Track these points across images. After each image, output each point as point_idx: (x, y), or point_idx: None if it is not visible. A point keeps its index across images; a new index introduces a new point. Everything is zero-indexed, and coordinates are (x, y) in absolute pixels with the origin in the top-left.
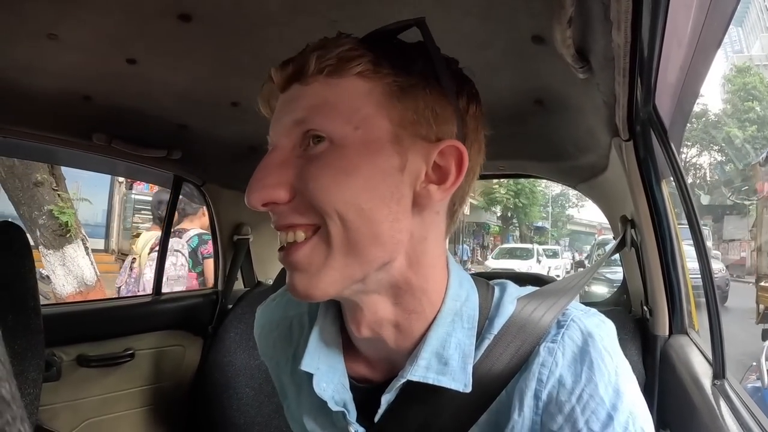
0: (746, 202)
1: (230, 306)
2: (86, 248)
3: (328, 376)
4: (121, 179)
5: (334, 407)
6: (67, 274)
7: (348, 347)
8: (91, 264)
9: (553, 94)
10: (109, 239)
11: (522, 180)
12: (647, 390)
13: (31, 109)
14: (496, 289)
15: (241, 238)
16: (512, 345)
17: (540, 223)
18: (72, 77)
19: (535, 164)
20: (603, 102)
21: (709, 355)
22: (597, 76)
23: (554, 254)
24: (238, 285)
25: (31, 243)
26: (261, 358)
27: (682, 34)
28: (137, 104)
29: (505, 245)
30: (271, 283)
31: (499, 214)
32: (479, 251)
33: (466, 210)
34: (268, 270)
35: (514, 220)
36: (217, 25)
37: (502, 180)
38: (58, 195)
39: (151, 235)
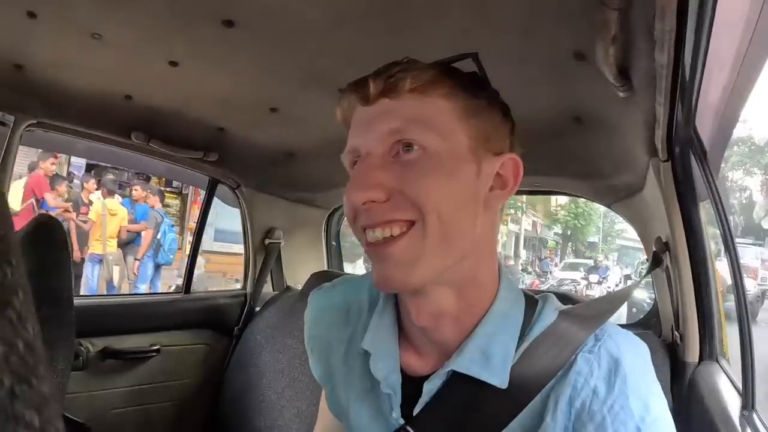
0: None
1: (258, 308)
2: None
3: (384, 359)
4: None
5: (385, 389)
6: None
7: (401, 337)
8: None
9: (592, 111)
10: None
11: (581, 203)
12: (673, 416)
13: (73, 106)
14: (540, 300)
15: (273, 242)
16: (550, 352)
17: (592, 239)
18: (114, 76)
19: (570, 182)
20: (642, 121)
21: (739, 384)
22: (638, 95)
23: (607, 268)
24: (267, 288)
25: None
26: (288, 359)
27: (726, 55)
28: (177, 106)
29: (569, 260)
30: (300, 288)
31: (560, 233)
32: (537, 263)
33: (527, 225)
34: (297, 275)
35: (572, 238)
36: (259, 32)
37: (562, 202)
38: None
39: None
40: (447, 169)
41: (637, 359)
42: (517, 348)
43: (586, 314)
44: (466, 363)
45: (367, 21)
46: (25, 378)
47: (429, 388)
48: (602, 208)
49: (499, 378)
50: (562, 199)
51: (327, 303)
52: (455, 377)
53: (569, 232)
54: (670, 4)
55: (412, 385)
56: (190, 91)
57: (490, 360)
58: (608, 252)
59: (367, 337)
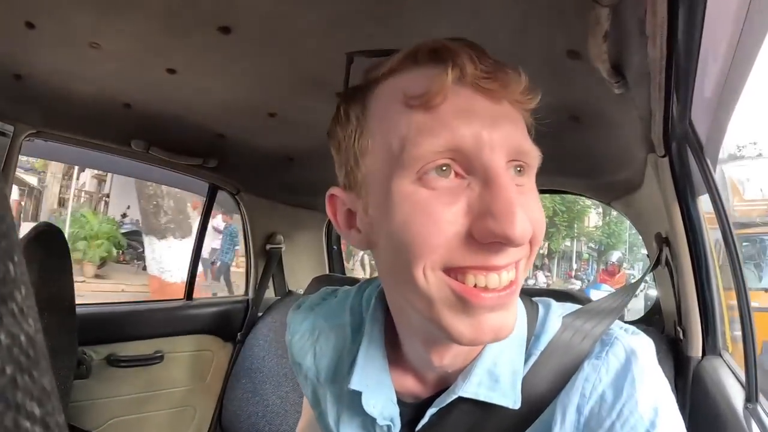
0: None
1: (260, 314)
2: None
3: (377, 393)
4: None
5: (382, 422)
6: None
7: (394, 362)
8: None
9: (589, 109)
10: None
11: (613, 224)
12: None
13: (73, 115)
14: (540, 307)
15: (274, 247)
16: (558, 362)
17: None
18: (113, 85)
19: (569, 180)
20: (639, 117)
21: (743, 378)
22: (633, 91)
23: (632, 276)
24: (269, 294)
25: None
26: (290, 365)
27: (719, 47)
28: (175, 113)
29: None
30: (302, 293)
31: (594, 248)
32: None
33: (567, 242)
34: (299, 280)
35: (605, 253)
36: (256, 37)
37: (598, 223)
38: None
39: None
40: (539, 197)
41: (646, 360)
42: (525, 361)
43: (591, 319)
44: (474, 388)
45: (362, 24)
46: (27, 369)
47: (432, 412)
48: (629, 224)
49: (509, 398)
50: (595, 221)
51: (309, 327)
52: (460, 399)
53: (602, 248)
54: None
55: (411, 409)
56: (189, 98)
57: (499, 381)
58: (634, 261)
59: (354, 377)
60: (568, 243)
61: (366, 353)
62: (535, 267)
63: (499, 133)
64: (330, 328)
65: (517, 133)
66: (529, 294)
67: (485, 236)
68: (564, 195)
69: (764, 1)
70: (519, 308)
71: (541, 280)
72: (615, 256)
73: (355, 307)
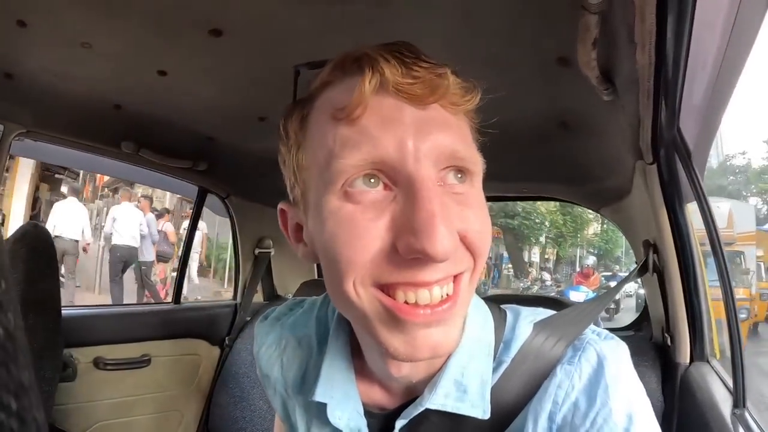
0: None
1: (248, 318)
2: None
3: (343, 405)
4: None
5: None
6: None
7: (361, 372)
8: None
9: (578, 116)
10: None
11: (611, 232)
12: (666, 418)
13: (63, 115)
14: (508, 313)
15: (263, 251)
16: (530, 368)
17: (617, 254)
18: (104, 85)
19: (558, 187)
20: (628, 124)
21: (730, 384)
22: (622, 98)
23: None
24: (258, 298)
25: None
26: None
27: (707, 55)
28: (166, 115)
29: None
30: (291, 297)
31: (594, 253)
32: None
33: (570, 249)
34: (288, 284)
35: (603, 257)
36: (247, 40)
37: (598, 230)
38: None
39: None
40: (485, 205)
41: (620, 365)
42: (495, 369)
43: (564, 325)
44: (441, 399)
45: (354, 28)
46: (4, 363)
47: (401, 425)
48: None
49: (478, 409)
50: (597, 228)
51: (276, 338)
52: (428, 410)
53: (601, 252)
54: (649, 5)
55: (379, 420)
56: (179, 101)
57: (467, 391)
58: (629, 264)
59: (318, 388)
60: (570, 249)
61: (330, 365)
62: (541, 269)
63: (427, 141)
64: (296, 339)
65: (449, 138)
66: (499, 301)
67: (407, 252)
68: (570, 207)
69: (751, 10)
70: (485, 316)
71: (547, 280)
72: (590, 260)
73: (321, 318)
